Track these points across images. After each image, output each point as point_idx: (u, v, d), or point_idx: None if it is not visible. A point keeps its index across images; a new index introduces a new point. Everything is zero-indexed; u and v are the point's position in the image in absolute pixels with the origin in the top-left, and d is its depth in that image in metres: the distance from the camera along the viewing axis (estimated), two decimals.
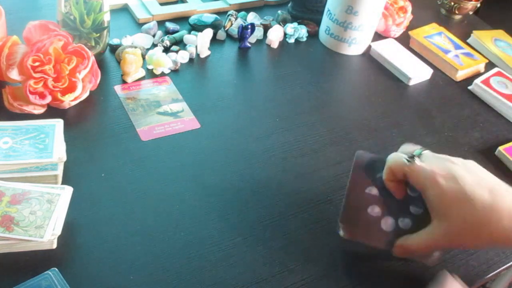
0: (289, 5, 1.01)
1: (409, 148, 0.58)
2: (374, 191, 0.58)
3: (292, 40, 0.94)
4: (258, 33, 0.93)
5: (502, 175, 0.75)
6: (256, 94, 0.82)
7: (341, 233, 0.57)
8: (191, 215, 0.61)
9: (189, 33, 0.89)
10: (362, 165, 0.59)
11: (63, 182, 0.60)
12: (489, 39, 1.03)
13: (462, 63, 0.94)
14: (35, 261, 0.52)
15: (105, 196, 0.61)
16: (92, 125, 0.70)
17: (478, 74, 0.95)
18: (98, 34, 0.77)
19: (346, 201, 0.58)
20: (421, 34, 1.00)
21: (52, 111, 0.69)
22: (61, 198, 0.55)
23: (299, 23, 0.96)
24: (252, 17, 0.97)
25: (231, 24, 0.92)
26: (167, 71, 0.81)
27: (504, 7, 1.48)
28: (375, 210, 0.57)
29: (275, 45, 0.92)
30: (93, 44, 0.77)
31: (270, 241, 0.60)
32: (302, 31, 0.95)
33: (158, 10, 0.92)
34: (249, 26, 0.88)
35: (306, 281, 0.57)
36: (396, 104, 0.85)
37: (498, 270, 0.62)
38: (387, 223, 0.57)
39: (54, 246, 0.54)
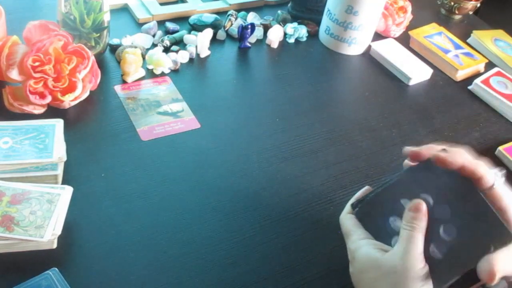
0: (289, 5, 1.01)
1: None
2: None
3: (292, 40, 0.94)
4: (258, 33, 0.93)
5: None
6: (256, 94, 0.82)
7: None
8: (191, 215, 0.61)
9: (189, 33, 0.89)
10: (420, 172, 0.50)
11: (63, 182, 0.60)
12: (489, 39, 1.03)
13: (462, 63, 0.94)
14: (35, 261, 0.52)
15: (105, 196, 0.61)
16: (92, 125, 0.70)
17: (478, 74, 0.95)
18: (98, 34, 0.77)
19: (374, 195, 0.51)
20: (421, 34, 1.00)
21: (52, 111, 0.69)
22: (61, 198, 0.55)
23: (299, 23, 0.96)
24: (252, 17, 0.97)
25: (231, 24, 0.92)
26: (167, 71, 0.81)
27: (504, 7, 1.48)
28: (396, 223, 0.49)
29: (275, 45, 0.92)
30: (93, 44, 0.77)
31: (270, 241, 0.60)
32: (302, 31, 0.94)
33: (158, 10, 0.92)
34: (249, 26, 0.88)
35: (306, 280, 0.57)
36: (396, 104, 0.85)
37: None
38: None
39: (54, 246, 0.54)
